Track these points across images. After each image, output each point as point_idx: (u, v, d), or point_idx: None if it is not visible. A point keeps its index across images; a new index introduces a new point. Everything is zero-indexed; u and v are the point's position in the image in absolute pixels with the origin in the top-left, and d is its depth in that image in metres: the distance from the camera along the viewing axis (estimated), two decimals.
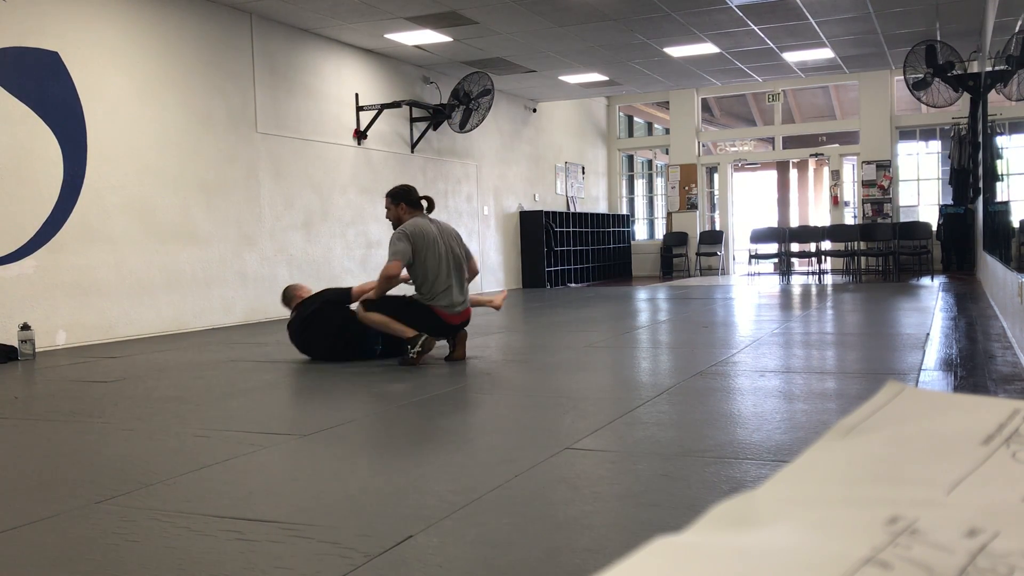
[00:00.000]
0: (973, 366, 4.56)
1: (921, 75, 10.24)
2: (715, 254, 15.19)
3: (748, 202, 20.43)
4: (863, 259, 13.60)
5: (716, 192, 16.00)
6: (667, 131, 16.27)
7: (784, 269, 13.63)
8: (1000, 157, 9.43)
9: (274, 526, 2.25)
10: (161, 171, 7.58)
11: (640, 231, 17.29)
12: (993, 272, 8.11)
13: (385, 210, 5.64)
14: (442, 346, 5.54)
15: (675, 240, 15.56)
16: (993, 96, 9.46)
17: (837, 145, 15.43)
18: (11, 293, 6.33)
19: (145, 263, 7.39)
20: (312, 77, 9.45)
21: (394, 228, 5.50)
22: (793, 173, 19.34)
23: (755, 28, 10.11)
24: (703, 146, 15.84)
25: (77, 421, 3.79)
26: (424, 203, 5.67)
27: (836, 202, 14.87)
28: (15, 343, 6.09)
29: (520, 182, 13.73)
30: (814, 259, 13.58)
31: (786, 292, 10.85)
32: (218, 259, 8.15)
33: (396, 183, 10.82)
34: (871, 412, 0.54)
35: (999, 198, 8.97)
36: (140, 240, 7.35)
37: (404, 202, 5.58)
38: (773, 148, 15.69)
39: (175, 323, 7.67)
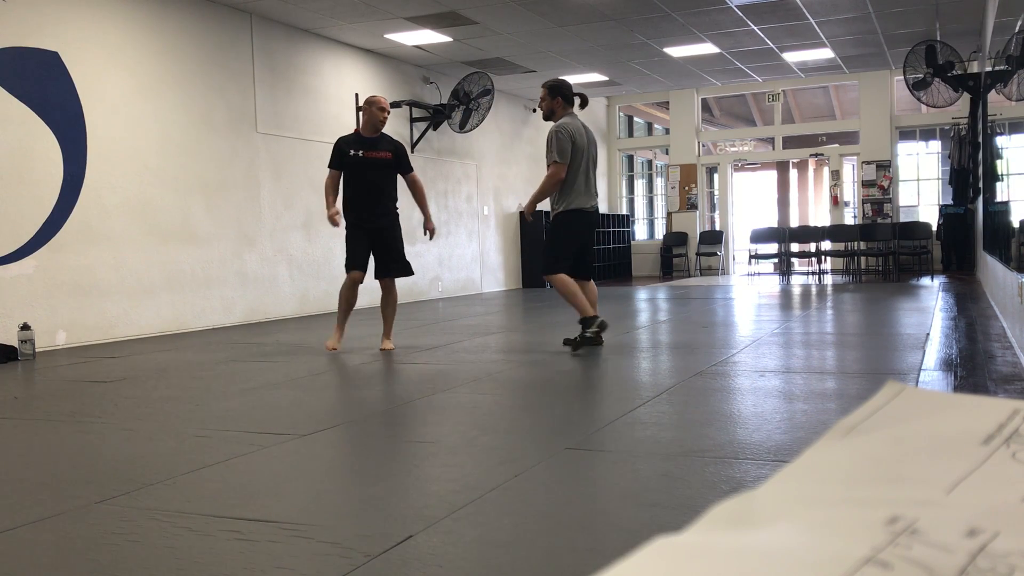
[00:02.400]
0: (973, 366, 4.56)
1: (921, 75, 10.24)
2: (715, 254, 15.19)
3: (748, 202, 20.43)
4: (863, 259, 13.60)
5: (716, 192, 16.00)
6: (667, 131, 16.27)
7: (784, 269, 13.63)
8: (1000, 157, 9.43)
9: (274, 526, 2.25)
10: (161, 171, 7.58)
11: (640, 231, 17.29)
12: (993, 272, 8.11)
13: (539, 100, 5.61)
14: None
15: (675, 240, 15.56)
16: (993, 96, 9.46)
17: (837, 145, 15.42)
18: (11, 293, 6.33)
19: (145, 263, 7.39)
20: (312, 77, 9.45)
21: (545, 119, 5.59)
22: (793, 173, 19.33)
23: (755, 28, 10.11)
24: (703, 146, 15.84)
25: (77, 421, 3.79)
26: (577, 100, 5.67)
27: (836, 202, 14.87)
28: (15, 343, 6.09)
29: (520, 182, 13.73)
30: (814, 259, 13.59)
31: (786, 292, 10.85)
32: (218, 259, 8.15)
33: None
34: (871, 412, 0.54)
35: (999, 198, 8.97)
36: (140, 240, 7.35)
37: (561, 96, 5.53)
38: (773, 148, 15.68)
39: (175, 323, 7.67)
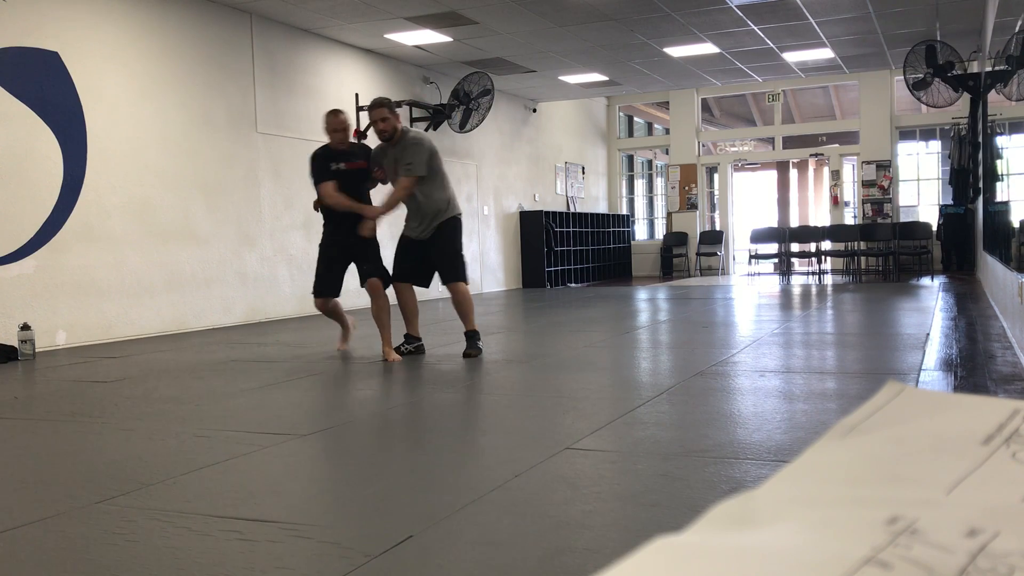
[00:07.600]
0: (973, 366, 4.56)
1: (921, 75, 10.24)
2: (715, 254, 15.19)
3: (748, 202, 20.42)
4: (863, 259, 13.60)
5: (716, 192, 16.00)
6: (667, 131, 16.27)
7: (784, 269, 13.63)
8: (1000, 157, 9.43)
9: (274, 526, 2.25)
10: (161, 171, 7.58)
11: (640, 231, 17.29)
12: (993, 272, 8.11)
13: (383, 120, 5.35)
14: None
15: (675, 240, 15.56)
16: (993, 96, 9.46)
17: (837, 145, 15.42)
18: (11, 293, 6.33)
19: (145, 263, 7.39)
20: (312, 77, 9.45)
21: (388, 139, 5.40)
22: (793, 173, 19.33)
23: (755, 28, 10.11)
24: (703, 146, 15.84)
25: (77, 421, 3.79)
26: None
27: (836, 202, 14.87)
28: (15, 343, 6.09)
29: (520, 182, 13.73)
30: (814, 259, 13.58)
31: (786, 292, 10.85)
32: (218, 259, 8.15)
33: None
34: (871, 412, 0.54)
35: (999, 198, 8.97)
36: (140, 240, 7.35)
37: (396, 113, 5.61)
38: (773, 148, 15.68)
39: (175, 323, 7.67)
